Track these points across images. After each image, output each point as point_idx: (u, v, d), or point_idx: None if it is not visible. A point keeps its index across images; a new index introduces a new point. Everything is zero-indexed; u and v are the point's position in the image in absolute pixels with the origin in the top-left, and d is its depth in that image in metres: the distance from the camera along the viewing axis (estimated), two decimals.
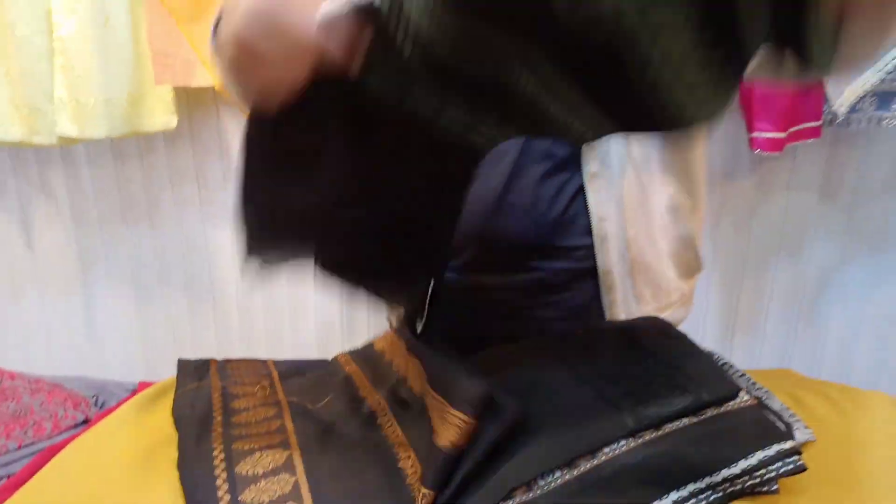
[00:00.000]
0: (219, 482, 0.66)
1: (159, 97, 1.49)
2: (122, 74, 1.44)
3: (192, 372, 0.87)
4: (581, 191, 0.82)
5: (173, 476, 0.68)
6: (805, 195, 1.57)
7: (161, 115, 1.49)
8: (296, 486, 0.65)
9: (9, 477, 0.82)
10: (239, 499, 0.63)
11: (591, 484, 0.59)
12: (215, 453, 0.69)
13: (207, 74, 1.42)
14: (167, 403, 0.82)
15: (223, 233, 1.74)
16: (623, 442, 0.61)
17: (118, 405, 0.93)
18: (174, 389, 0.84)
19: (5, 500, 0.75)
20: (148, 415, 0.80)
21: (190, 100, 1.58)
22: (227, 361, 0.91)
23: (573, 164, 0.82)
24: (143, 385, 1.04)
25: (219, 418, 0.75)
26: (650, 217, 0.84)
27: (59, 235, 1.75)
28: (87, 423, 0.93)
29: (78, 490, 0.69)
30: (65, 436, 0.90)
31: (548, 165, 0.82)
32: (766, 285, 1.64)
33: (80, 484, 0.70)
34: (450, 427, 0.60)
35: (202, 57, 1.30)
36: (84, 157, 1.68)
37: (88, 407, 0.96)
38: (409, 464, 0.65)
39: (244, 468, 0.67)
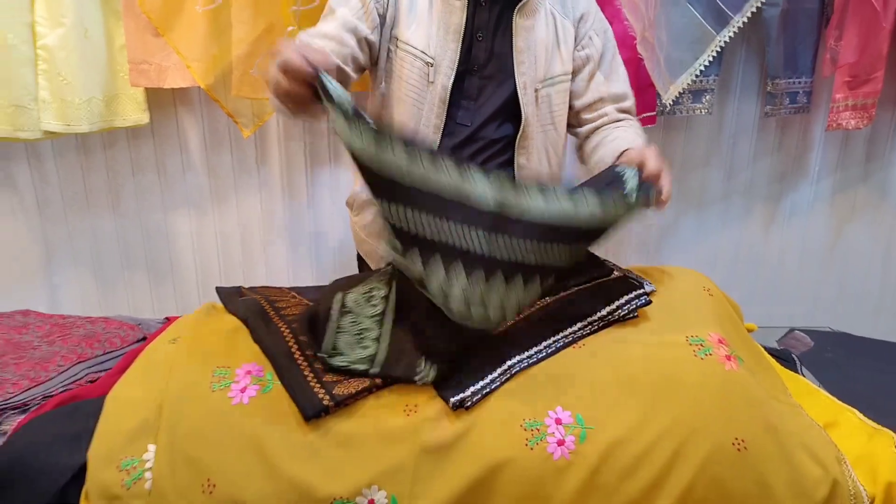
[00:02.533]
0: (293, 349, 0.98)
1: (131, 97, 1.73)
2: (99, 78, 1.68)
3: (231, 294, 1.17)
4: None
5: (254, 348, 1.00)
6: None
7: (133, 112, 1.74)
8: None
9: (105, 372, 1.10)
10: (306, 352, 0.97)
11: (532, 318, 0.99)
12: (282, 329, 1.02)
13: (177, 78, 1.70)
14: (221, 316, 1.12)
15: (182, 218, 1.97)
16: (548, 299, 1.02)
17: (160, 331, 1.21)
18: (222, 305, 1.14)
19: (115, 382, 1.03)
20: (213, 320, 1.10)
21: (151, 99, 1.83)
22: (253, 287, 1.22)
23: (510, 150, 1.27)
24: (171, 318, 1.31)
25: (272, 313, 1.07)
26: None
27: (22, 226, 1.92)
28: (144, 339, 1.21)
29: (184, 359, 0.98)
30: (134, 346, 1.17)
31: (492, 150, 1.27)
32: (623, 239, 2.13)
33: (184, 356, 0.99)
34: None
35: (184, 59, 1.58)
36: (50, 151, 1.87)
37: (140, 331, 1.24)
38: None
39: (304, 337, 1.00)
